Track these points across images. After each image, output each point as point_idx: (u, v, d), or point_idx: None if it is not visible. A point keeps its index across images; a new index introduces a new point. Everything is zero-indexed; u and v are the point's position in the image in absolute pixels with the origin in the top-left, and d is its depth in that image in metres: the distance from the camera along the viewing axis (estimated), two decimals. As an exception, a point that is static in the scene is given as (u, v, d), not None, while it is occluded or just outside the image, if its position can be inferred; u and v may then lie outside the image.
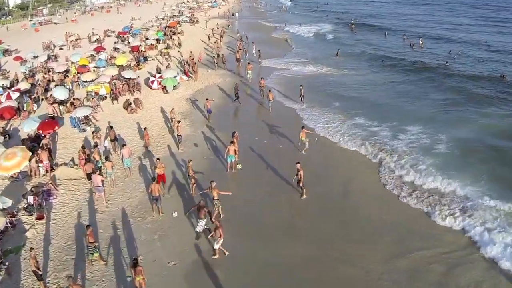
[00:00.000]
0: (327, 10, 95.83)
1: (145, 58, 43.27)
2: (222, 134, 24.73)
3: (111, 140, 23.08)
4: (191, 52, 41.85)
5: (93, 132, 23.25)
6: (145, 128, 23.37)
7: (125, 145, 21.03)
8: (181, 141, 23.19)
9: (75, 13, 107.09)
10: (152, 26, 65.94)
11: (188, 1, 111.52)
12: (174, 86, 32.34)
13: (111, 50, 49.42)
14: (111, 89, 31.09)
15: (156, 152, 22.90)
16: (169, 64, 39.51)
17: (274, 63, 43.65)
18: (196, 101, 30.88)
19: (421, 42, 49.47)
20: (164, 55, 46.10)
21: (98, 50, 48.05)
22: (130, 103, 28.58)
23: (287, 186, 18.90)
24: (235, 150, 20.29)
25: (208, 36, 55.79)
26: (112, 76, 34.18)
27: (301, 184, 17.84)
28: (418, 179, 19.30)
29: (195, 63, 36.92)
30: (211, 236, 15.07)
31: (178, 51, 46.41)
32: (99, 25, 70.78)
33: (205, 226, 15.63)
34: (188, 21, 71.98)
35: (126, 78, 32.91)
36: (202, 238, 15.64)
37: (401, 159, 21.09)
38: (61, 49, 55.43)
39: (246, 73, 35.89)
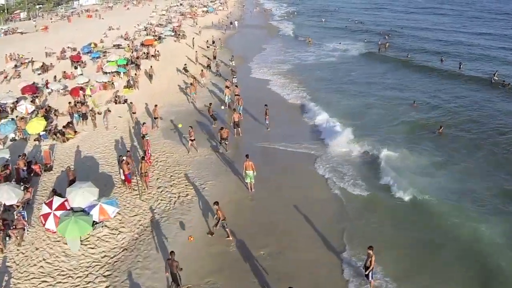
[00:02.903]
0: (343, 19, 73.81)
1: (84, 115, 25.30)
2: None
3: None
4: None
5: None
6: None
7: None
8: None
9: (51, 18, 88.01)
10: (123, 43, 47.47)
11: (181, 5, 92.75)
12: (87, 233, 13.70)
13: (48, 92, 31.57)
14: None
15: None
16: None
17: (293, 140, 22.03)
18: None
19: (496, 78, 31.08)
20: (120, 102, 28.47)
21: (27, 91, 30.33)
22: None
23: None
24: None
25: (184, 68, 36.67)
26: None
27: None
28: None
29: (143, 160, 17.16)
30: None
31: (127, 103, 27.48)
32: (70, 36, 53.12)
33: None
34: (173, 34, 53.69)
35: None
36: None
37: None
38: (-8, 81, 37.55)
39: (243, 174, 17.17)
